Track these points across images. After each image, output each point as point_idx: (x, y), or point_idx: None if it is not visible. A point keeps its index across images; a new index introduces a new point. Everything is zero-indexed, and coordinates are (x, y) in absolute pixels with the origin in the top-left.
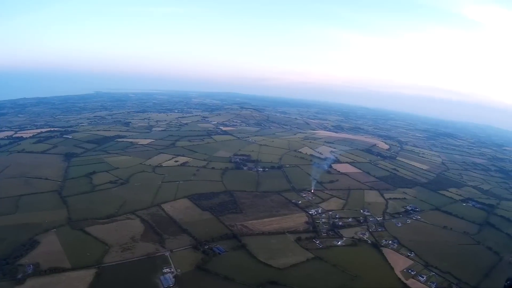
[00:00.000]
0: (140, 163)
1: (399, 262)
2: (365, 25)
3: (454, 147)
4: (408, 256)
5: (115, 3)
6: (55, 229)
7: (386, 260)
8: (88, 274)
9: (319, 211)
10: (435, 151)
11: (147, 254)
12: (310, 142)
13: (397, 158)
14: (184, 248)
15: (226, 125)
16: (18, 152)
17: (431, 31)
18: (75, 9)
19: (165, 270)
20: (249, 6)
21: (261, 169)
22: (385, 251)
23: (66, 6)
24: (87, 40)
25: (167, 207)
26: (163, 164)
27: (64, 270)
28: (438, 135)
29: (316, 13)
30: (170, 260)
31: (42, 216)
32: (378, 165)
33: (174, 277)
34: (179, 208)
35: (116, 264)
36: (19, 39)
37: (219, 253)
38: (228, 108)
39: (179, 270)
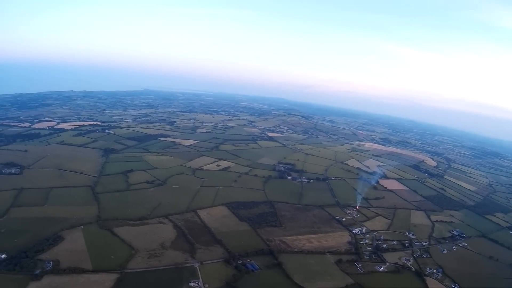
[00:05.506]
0: (180, 165)
1: None
2: (415, 40)
3: (501, 168)
4: None
5: (171, 4)
6: (82, 226)
7: None
8: (108, 279)
9: (363, 230)
10: (482, 171)
11: (175, 263)
12: (357, 154)
13: (445, 176)
14: (215, 261)
15: (272, 131)
16: (57, 143)
17: (483, 47)
18: (133, 10)
19: (191, 284)
20: (296, 14)
21: (305, 180)
22: (429, 281)
23: (125, 7)
24: (139, 40)
25: (203, 213)
26: (204, 168)
27: (84, 271)
28: (485, 154)
29: (363, 24)
30: (199, 273)
31: (70, 211)
32: (426, 183)
33: None
34: (215, 216)
35: (140, 271)
36: (74, 33)
37: (252, 270)
38: (275, 113)
39: (206, 286)
